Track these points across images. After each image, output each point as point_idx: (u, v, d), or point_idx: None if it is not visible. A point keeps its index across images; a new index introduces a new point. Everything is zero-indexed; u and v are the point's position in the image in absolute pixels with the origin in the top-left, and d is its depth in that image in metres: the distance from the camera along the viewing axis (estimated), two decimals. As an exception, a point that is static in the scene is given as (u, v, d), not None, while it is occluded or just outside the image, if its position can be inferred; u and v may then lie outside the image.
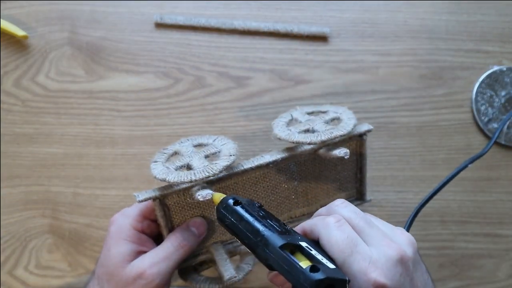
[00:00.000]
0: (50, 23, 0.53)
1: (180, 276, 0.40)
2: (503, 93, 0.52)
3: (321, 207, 0.35)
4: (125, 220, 0.37)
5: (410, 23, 0.53)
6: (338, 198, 0.35)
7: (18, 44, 0.52)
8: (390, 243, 0.29)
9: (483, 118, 0.50)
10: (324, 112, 0.43)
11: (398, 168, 0.51)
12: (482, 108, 0.52)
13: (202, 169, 0.34)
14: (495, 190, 0.51)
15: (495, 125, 0.52)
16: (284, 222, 0.34)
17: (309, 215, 0.42)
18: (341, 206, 0.31)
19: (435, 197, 0.51)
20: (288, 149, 0.39)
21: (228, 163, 0.35)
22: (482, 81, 0.52)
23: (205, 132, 0.51)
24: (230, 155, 0.36)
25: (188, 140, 0.40)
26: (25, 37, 0.52)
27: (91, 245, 0.49)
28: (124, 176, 0.50)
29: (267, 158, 0.38)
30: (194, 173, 0.34)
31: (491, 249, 0.50)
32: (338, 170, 0.43)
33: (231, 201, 0.30)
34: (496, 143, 0.51)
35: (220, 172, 0.35)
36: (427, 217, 0.50)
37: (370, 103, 0.52)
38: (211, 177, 0.35)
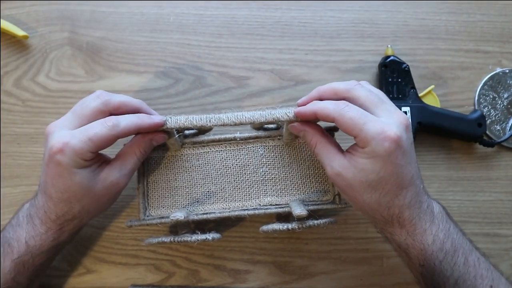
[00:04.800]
0: (50, 23, 0.53)
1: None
2: (505, 95, 0.52)
3: (290, 202, 0.42)
4: (74, 156, 0.36)
5: (410, 23, 0.54)
6: (310, 197, 0.44)
7: (18, 44, 0.52)
8: (399, 113, 0.36)
9: (485, 120, 0.50)
10: None
11: (398, 168, 0.51)
12: (485, 110, 0.52)
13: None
14: (495, 190, 0.51)
15: (498, 127, 0.52)
16: (251, 208, 0.43)
17: (278, 206, 0.44)
18: (358, 86, 0.37)
19: (435, 197, 0.51)
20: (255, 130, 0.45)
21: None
22: (485, 83, 0.52)
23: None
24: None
25: None
26: (25, 37, 0.52)
27: (91, 245, 0.49)
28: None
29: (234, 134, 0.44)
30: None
31: (490, 248, 0.50)
32: (308, 165, 0.45)
33: None
34: (497, 143, 0.51)
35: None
36: (427, 217, 0.50)
37: (370, 103, 0.52)
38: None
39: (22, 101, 0.51)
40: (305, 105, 0.39)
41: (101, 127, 0.37)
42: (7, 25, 0.52)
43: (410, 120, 0.49)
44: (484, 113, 0.51)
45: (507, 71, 0.52)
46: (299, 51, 0.53)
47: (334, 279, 0.49)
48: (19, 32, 0.51)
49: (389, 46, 0.52)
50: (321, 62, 0.53)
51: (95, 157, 0.39)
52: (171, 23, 0.53)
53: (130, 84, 0.52)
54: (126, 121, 0.38)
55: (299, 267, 0.49)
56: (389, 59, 0.50)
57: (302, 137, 0.40)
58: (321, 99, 0.39)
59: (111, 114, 0.39)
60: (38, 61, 0.52)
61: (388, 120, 0.35)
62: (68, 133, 0.37)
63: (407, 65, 0.50)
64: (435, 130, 0.50)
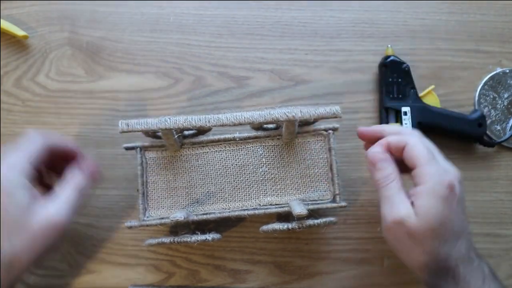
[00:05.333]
0: (50, 23, 0.53)
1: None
2: (506, 95, 0.52)
3: (290, 201, 0.42)
4: (15, 172, 0.34)
5: (410, 23, 0.53)
6: (310, 196, 0.44)
7: (18, 44, 0.52)
8: (453, 166, 0.37)
9: (486, 120, 0.50)
10: None
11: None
12: (485, 110, 0.52)
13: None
14: (495, 190, 0.51)
15: (498, 127, 0.52)
16: (251, 208, 0.43)
17: (278, 206, 0.44)
18: (414, 133, 0.39)
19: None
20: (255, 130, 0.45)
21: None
22: (485, 83, 0.52)
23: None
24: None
25: None
26: (25, 37, 0.52)
27: (91, 245, 0.49)
28: (124, 176, 0.50)
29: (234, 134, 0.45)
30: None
31: (491, 249, 0.50)
32: (307, 165, 0.45)
33: None
34: (497, 143, 0.51)
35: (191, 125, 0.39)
36: (427, 217, 0.50)
37: (370, 103, 0.52)
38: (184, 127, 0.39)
39: (22, 101, 0.51)
40: (365, 132, 0.41)
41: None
42: (7, 25, 0.52)
43: (410, 120, 0.49)
44: (485, 113, 0.51)
45: (507, 71, 0.52)
46: (299, 51, 0.53)
47: (334, 279, 0.49)
48: (19, 32, 0.51)
49: (389, 46, 0.52)
50: (321, 62, 0.53)
51: (38, 181, 0.38)
52: (171, 23, 0.53)
53: (130, 84, 0.52)
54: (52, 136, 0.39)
55: (299, 267, 0.49)
56: (389, 59, 0.50)
57: (378, 168, 0.38)
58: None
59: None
60: (38, 61, 0.52)
61: (446, 166, 0.37)
62: None
63: (407, 65, 0.50)
64: (435, 130, 0.50)
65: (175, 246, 0.49)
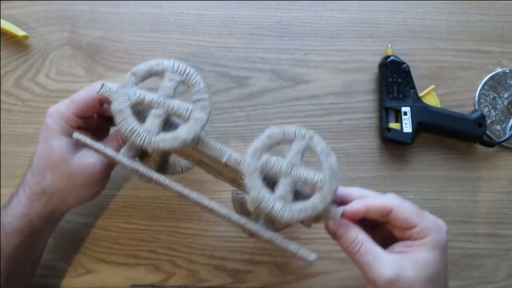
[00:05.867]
0: (50, 23, 0.53)
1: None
2: (506, 95, 0.52)
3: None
4: (60, 120, 0.38)
5: (410, 23, 0.54)
6: None
7: (18, 44, 0.52)
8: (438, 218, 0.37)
9: (486, 120, 0.50)
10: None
11: (398, 168, 0.51)
12: (485, 110, 0.52)
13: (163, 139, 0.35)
14: (495, 190, 0.51)
15: (498, 127, 0.52)
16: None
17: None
18: (395, 196, 0.36)
19: (435, 197, 0.51)
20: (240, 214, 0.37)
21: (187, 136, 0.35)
22: (485, 83, 0.52)
23: (205, 131, 0.51)
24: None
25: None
26: (25, 37, 0.52)
27: (91, 245, 0.49)
28: (124, 176, 0.50)
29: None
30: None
31: (491, 249, 0.50)
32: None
33: None
34: (497, 143, 0.51)
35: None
36: (427, 217, 0.50)
37: (370, 103, 0.52)
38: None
39: (22, 101, 0.51)
40: (344, 198, 0.37)
41: (82, 90, 0.39)
42: (7, 25, 0.52)
43: (410, 120, 0.49)
44: (484, 113, 0.51)
45: (507, 71, 0.52)
46: (299, 51, 0.53)
47: (334, 279, 0.49)
48: (19, 32, 0.51)
49: (389, 46, 0.52)
50: (321, 62, 0.53)
51: (81, 129, 0.39)
52: (171, 23, 0.53)
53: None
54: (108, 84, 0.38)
55: (299, 267, 0.49)
56: (389, 59, 0.50)
57: (339, 236, 0.35)
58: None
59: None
60: (38, 61, 0.52)
61: (432, 216, 0.36)
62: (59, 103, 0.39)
63: (407, 65, 0.50)
64: (435, 130, 0.50)
65: (175, 246, 0.49)
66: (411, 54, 0.53)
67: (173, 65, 0.37)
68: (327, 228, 0.37)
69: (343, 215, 0.35)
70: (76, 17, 0.53)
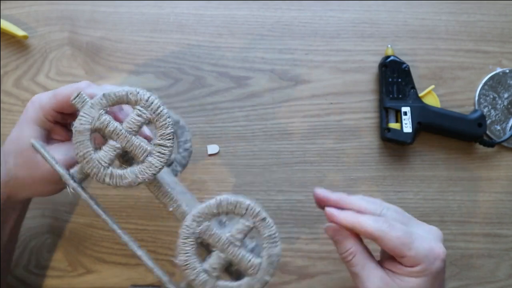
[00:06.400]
0: (50, 23, 0.53)
1: None
2: (506, 95, 0.52)
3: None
4: (39, 110, 0.37)
5: (410, 23, 0.54)
6: None
7: (18, 44, 0.52)
8: (429, 225, 0.36)
9: (486, 120, 0.50)
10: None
11: (398, 168, 0.51)
12: (485, 110, 0.52)
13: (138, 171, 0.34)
14: (495, 190, 0.51)
15: (498, 127, 0.52)
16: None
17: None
18: (387, 207, 0.36)
19: (435, 197, 0.51)
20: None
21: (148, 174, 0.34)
22: (485, 83, 0.52)
23: (205, 131, 0.51)
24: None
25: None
26: (25, 37, 0.52)
27: (91, 245, 0.49)
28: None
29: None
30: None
31: (490, 249, 0.50)
32: None
33: None
34: (497, 143, 0.51)
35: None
36: (427, 217, 0.50)
37: (370, 103, 0.52)
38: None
39: (22, 101, 0.51)
40: (326, 200, 0.37)
41: (67, 86, 0.37)
42: (7, 25, 0.52)
43: (410, 120, 0.49)
44: (484, 113, 0.51)
45: (507, 71, 0.52)
46: (299, 51, 0.53)
47: (334, 279, 0.49)
48: (19, 32, 0.51)
49: (389, 46, 0.52)
50: (321, 62, 0.53)
51: (55, 127, 0.39)
52: (171, 23, 0.53)
53: (130, 84, 0.51)
54: (93, 87, 0.37)
55: (299, 267, 0.49)
56: (389, 59, 0.50)
57: (335, 242, 0.37)
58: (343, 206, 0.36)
59: None
60: (38, 61, 0.52)
61: (428, 235, 0.35)
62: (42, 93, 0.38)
63: (407, 65, 0.50)
64: (435, 130, 0.50)
65: (175, 246, 0.49)
66: (411, 54, 0.53)
67: (147, 100, 0.33)
68: (326, 231, 0.37)
69: (329, 218, 0.36)
70: (76, 17, 0.53)
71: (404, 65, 0.50)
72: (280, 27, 0.53)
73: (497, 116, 0.52)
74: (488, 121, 0.52)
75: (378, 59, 0.52)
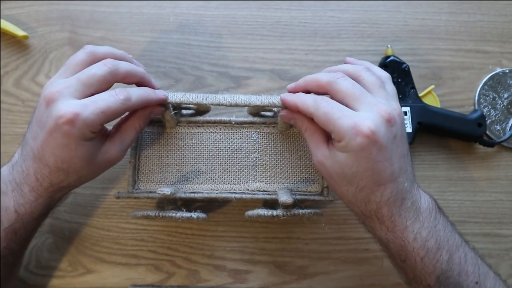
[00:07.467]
0: (50, 23, 0.53)
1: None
2: (505, 95, 0.52)
3: (278, 189, 0.43)
4: (84, 128, 0.35)
5: (410, 23, 0.54)
6: (298, 187, 0.44)
7: (18, 44, 0.52)
8: (381, 106, 0.35)
9: (486, 120, 0.50)
10: None
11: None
12: (485, 110, 0.52)
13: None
14: (495, 190, 0.51)
15: (498, 127, 0.52)
16: (239, 191, 0.43)
17: (265, 192, 0.44)
18: (340, 80, 0.36)
19: (435, 197, 0.51)
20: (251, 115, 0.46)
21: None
22: (485, 83, 0.52)
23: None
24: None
25: None
26: (25, 37, 0.52)
27: (91, 245, 0.49)
28: (125, 176, 0.50)
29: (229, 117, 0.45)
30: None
31: (490, 249, 0.50)
32: (299, 156, 0.45)
33: None
34: (497, 143, 0.51)
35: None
36: (427, 217, 0.50)
37: (370, 103, 0.52)
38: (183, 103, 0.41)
39: (22, 101, 0.51)
40: (293, 92, 0.40)
41: (114, 100, 0.36)
42: (7, 25, 0.52)
43: (410, 120, 0.49)
44: (484, 113, 0.51)
45: (507, 71, 0.53)
46: (299, 51, 0.53)
47: (334, 279, 0.49)
48: (19, 32, 0.51)
49: (389, 46, 0.52)
50: (321, 62, 0.53)
51: (101, 129, 0.39)
52: (171, 23, 0.53)
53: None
54: (136, 95, 0.38)
55: (299, 267, 0.49)
56: (389, 59, 0.50)
57: (294, 124, 0.40)
58: (307, 90, 0.39)
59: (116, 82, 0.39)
60: (38, 61, 0.52)
61: (366, 114, 0.34)
62: (78, 103, 0.35)
63: (407, 65, 0.50)
64: (435, 130, 0.50)
65: (175, 246, 0.49)
66: (411, 54, 0.53)
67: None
68: (283, 117, 0.40)
69: (281, 101, 0.39)
70: (76, 17, 0.53)
71: (404, 65, 0.50)
72: (280, 27, 0.53)
73: (497, 116, 0.52)
74: (488, 121, 0.52)
75: (378, 59, 0.52)
